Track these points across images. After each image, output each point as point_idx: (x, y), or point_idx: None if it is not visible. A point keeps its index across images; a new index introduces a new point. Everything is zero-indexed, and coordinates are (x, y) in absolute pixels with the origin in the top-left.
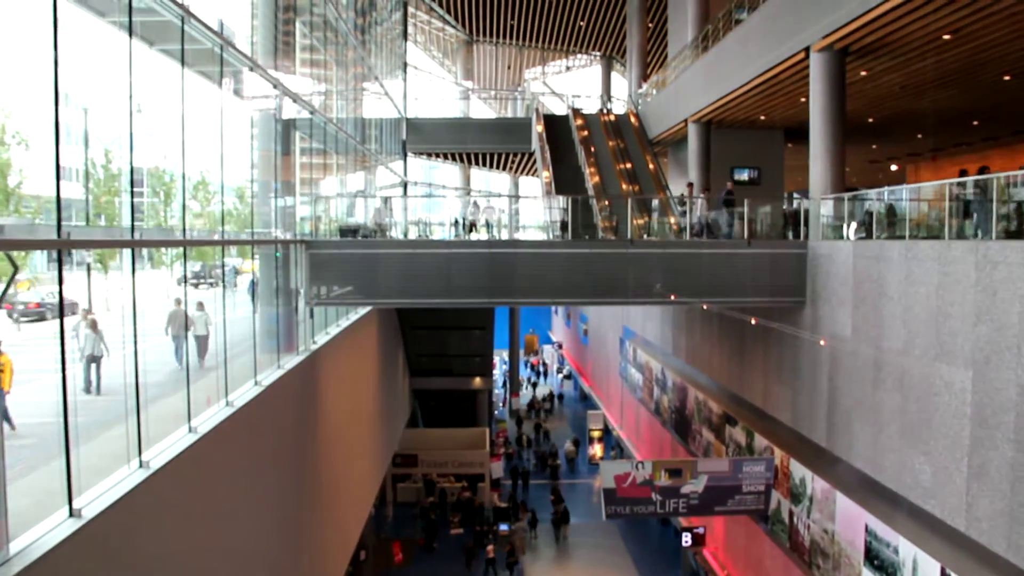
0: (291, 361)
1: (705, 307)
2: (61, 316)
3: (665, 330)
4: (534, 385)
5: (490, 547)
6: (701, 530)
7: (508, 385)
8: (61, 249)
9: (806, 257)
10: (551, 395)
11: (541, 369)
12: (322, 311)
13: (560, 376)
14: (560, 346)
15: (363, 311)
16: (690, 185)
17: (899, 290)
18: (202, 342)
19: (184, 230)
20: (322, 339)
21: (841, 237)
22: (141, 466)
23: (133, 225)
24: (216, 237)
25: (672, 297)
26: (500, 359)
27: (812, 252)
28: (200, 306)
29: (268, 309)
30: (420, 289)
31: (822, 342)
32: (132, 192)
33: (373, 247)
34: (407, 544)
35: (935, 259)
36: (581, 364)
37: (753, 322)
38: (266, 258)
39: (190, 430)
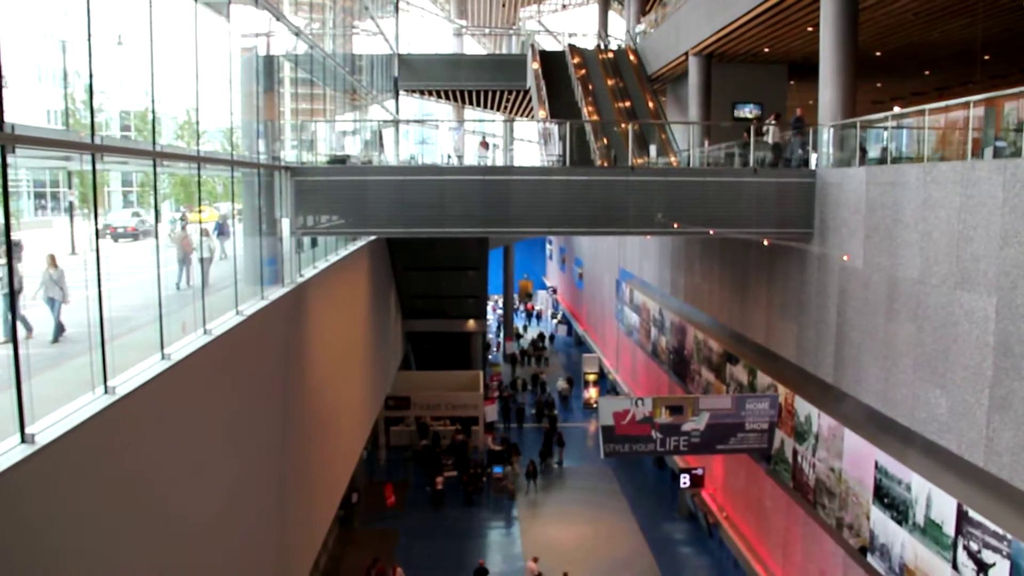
0: (275, 293)
1: (712, 232)
2: (8, 228)
3: (663, 270)
4: (518, 336)
5: (438, 479)
6: (700, 471)
7: (502, 329)
8: (5, 145)
9: (814, 186)
10: (541, 336)
11: (536, 314)
12: (308, 246)
13: (555, 321)
14: (555, 291)
15: (352, 247)
16: (776, 115)
17: (916, 216)
18: (206, 265)
19: (154, 143)
20: (309, 273)
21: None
22: (107, 392)
23: (93, 130)
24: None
25: (675, 226)
26: (494, 304)
27: (821, 180)
28: (204, 232)
29: (251, 239)
30: (412, 218)
31: (845, 257)
32: (91, 93)
33: (362, 174)
34: (399, 487)
35: (957, 181)
36: (576, 308)
37: (766, 243)
38: (249, 185)
39: (163, 357)
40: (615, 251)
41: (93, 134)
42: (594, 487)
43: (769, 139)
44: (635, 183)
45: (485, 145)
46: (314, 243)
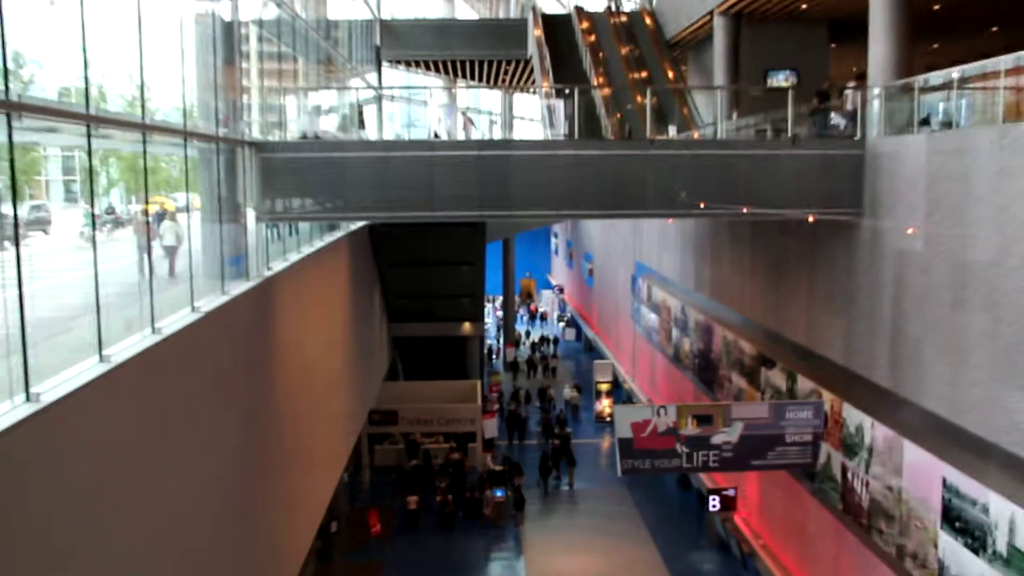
0: (239, 287)
1: (745, 210)
2: None
3: (686, 261)
4: (518, 343)
5: (412, 498)
6: (731, 492)
7: (503, 334)
8: None
9: (863, 159)
10: (544, 339)
11: (540, 316)
12: (284, 235)
13: (562, 324)
14: (561, 290)
15: (329, 238)
16: (859, 76)
17: (989, 187)
18: (172, 252)
19: (87, 104)
20: (279, 265)
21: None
22: (28, 400)
23: (7, 84)
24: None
25: (701, 206)
26: (492, 306)
27: (871, 152)
28: (172, 216)
29: (210, 227)
30: (397, 200)
31: (910, 230)
32: (4, 39)
33: (339, 150)
34: (385, 513)
35: None
36: (586, 309)
37: (811, 219)
38: (207, 166)
39: (101, 359)
40: (630, 243)
41: (7, 90)
42: (609, 511)
43: (848, 105)
44: (654, 158)
45: (466, 120)
46: (292, 230)
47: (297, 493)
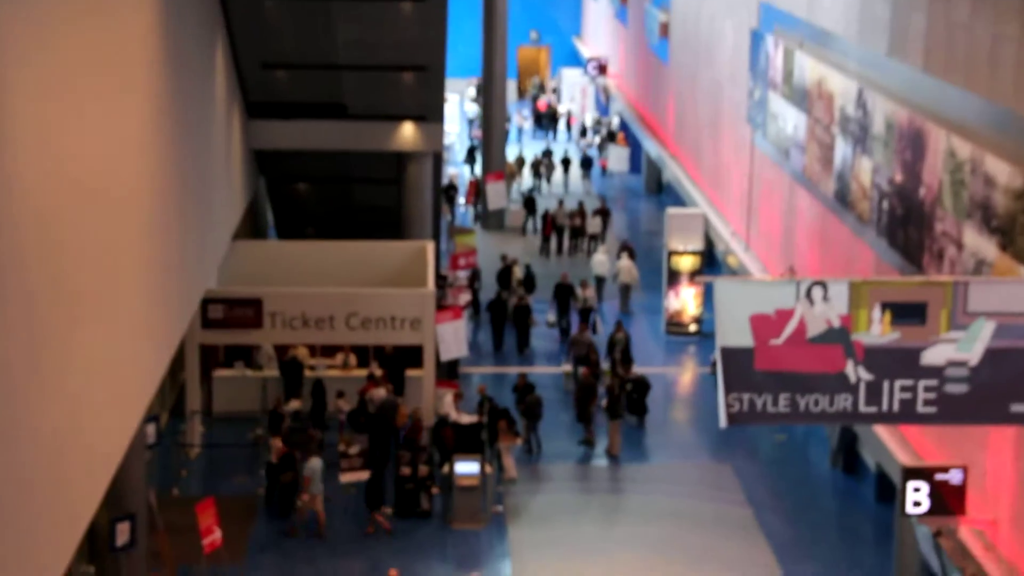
0: None
1: None
2: None
3: None
4: (513, 172)
5: (276, 440)
6: (955, 476)
7: (482, 155)
8: None
9: None
10: (548, 155)
11: (559, 118)
12: None
13: (595, 139)
14: (601, 70)
15: None
16: None
17: None
18: None
19: None
20: None
21: None
22: None
23: None
24: None
25: None
26: (463, 98)
27: None
28: None
29: None
30: None
31: None
32: None
33: None
34: (235, 506)
35: None
36: (653, 109)
37: None
38: None
39: None
40: None
41: None
42: (693, 512)
43: None
44: None
45: None
46: None
47: (37, 472)
